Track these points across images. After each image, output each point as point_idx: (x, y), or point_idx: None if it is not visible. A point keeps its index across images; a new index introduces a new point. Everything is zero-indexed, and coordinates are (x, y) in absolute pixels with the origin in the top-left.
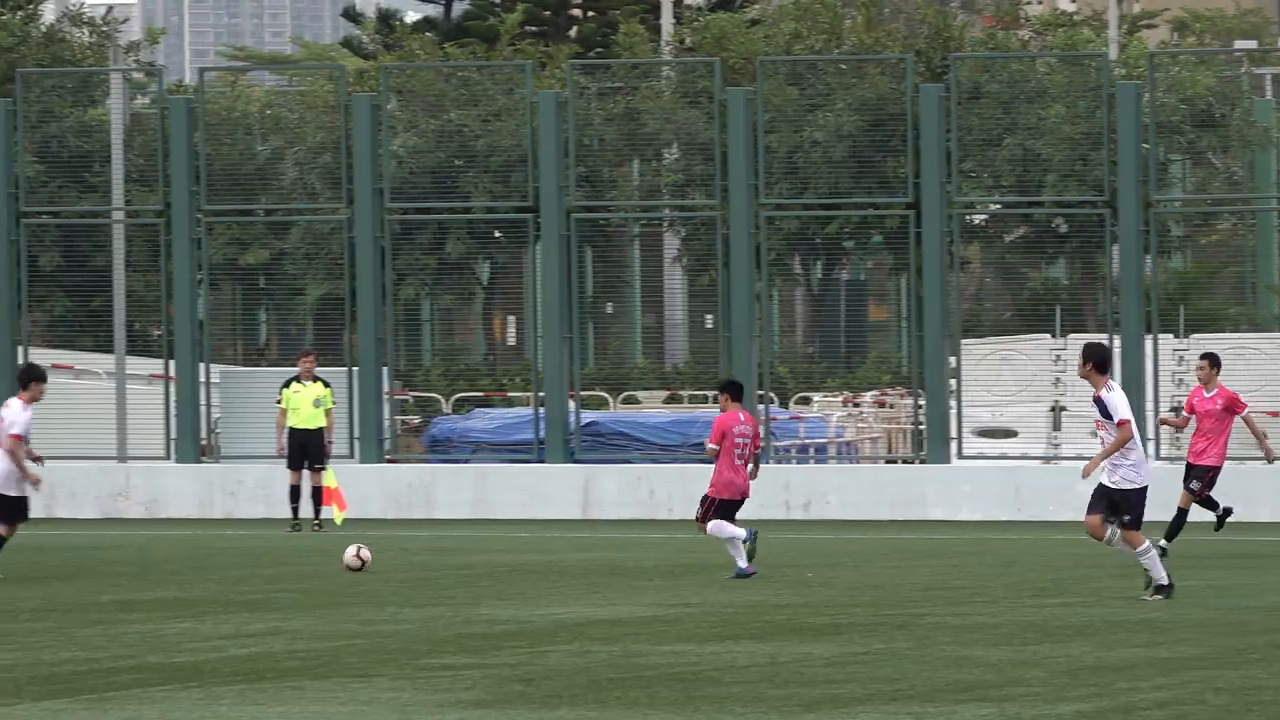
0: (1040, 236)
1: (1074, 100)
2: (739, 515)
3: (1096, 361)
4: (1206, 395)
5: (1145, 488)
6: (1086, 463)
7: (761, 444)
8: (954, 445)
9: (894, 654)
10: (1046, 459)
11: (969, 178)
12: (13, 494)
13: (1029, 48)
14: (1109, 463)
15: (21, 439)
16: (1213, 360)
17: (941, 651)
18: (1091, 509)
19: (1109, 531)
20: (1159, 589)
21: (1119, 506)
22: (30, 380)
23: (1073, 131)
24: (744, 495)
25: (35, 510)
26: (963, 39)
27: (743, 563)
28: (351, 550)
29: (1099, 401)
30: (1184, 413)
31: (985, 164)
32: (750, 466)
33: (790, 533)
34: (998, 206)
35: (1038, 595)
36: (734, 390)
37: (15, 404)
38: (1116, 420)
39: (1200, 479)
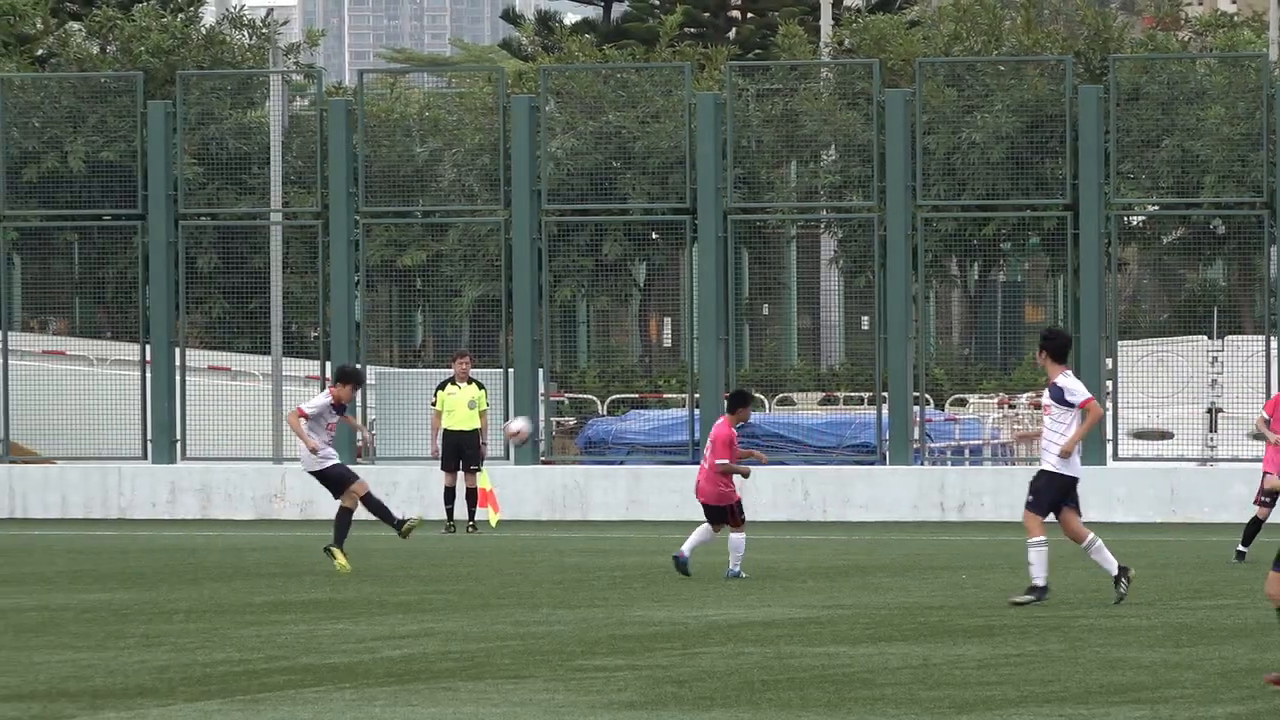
0: (1198, 238)
1: (1233, 101)
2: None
3: (1052, 350)
4: None
5: (1068, 478)
6: (1065, 444)
7: (728, 458)
8: (1110, 447)
9: (1047, 656)
10: (1202, 461)
11: (1127, 179)
12: (321, 469)
13: (1189, 49)
14: (1046, 445)
15: (304, 415)
16: None
17: (1095, 653)
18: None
19: (1088, 538)
20: (1033, 589)
21: (1032, 485)
22: (337, 379)
23: (1232, 133)
24: (697, 496)
25: (191, 511)
26: (1122, 40)
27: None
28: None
29: (1055, 388)
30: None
31: (1143, 165)
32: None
33: (944, 534)
34: (1155, 208)
35: (1192, 597)
36: (729, 399)
37: (323, 393)
38: (1079, 402)
39: None
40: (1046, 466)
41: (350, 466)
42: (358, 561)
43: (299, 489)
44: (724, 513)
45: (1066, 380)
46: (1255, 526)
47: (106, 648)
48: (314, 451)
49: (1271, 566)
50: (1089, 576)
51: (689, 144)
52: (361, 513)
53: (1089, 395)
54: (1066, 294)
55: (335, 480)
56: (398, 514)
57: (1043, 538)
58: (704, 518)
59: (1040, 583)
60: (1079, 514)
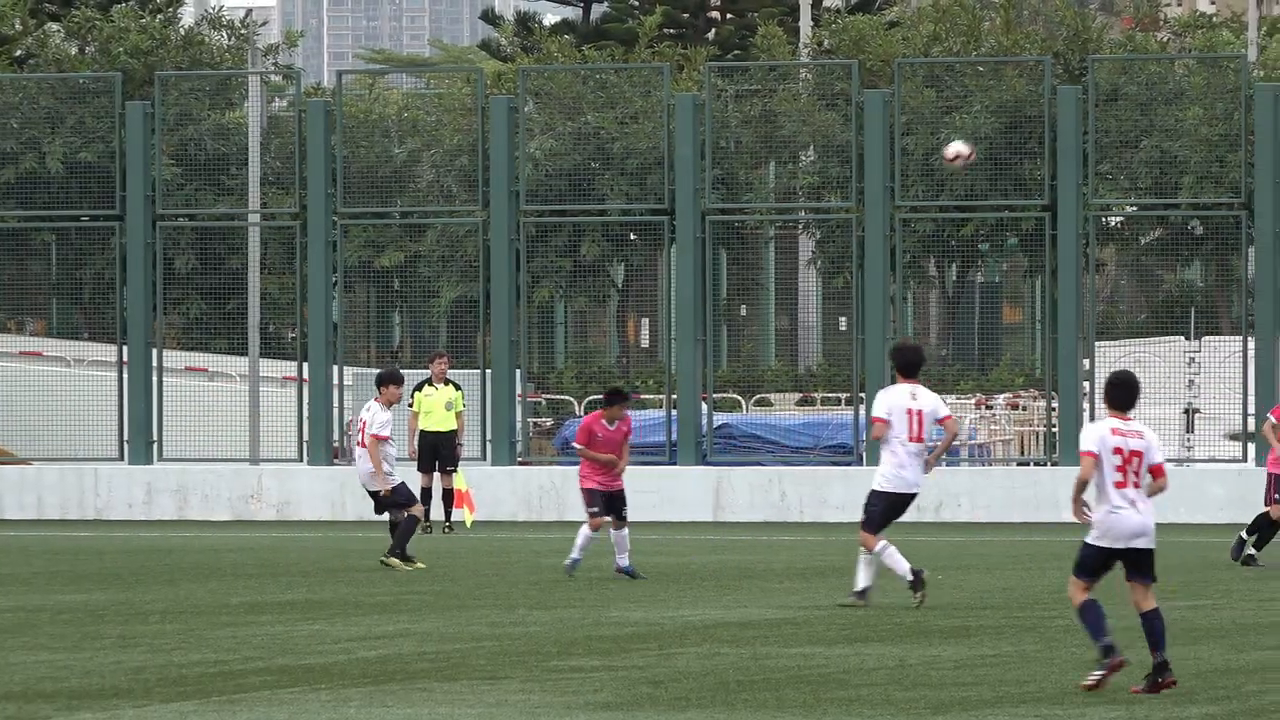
0: (1176, 239)
1: (1212, 102)
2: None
3: (897, 365)
4: None
5: (891, 494)
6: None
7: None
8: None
9: (1023, 656)
10: (1179, 462)
11: (1105, 180)
12: (374, 488)
13: (1168, 50)
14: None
15: (383, 439)
16: None
17: (1070, 654)
18: None
19: (879, 544)
20: (857, 593)
21: (865, 504)
22: (380, 383)
23: (1210, 133)
24: None
25: (167, 512)
26: (1101, 41)
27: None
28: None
29: None
30: None
31: (1122, 166)
32: None
33: (921, 535)
34: (1134, 208)
35: (1167, 597)
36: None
37: (375, 406)
38: (872, 417)
39: None
40: (874, 485)
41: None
42: (335, 560)
43: (276, 490)
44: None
45: (879, 393)
46: (1269, 525)
47: (82, 649)
48: (386, 489)
49: (1072, 572)
50: (1063, 578)
51: (667, 145)
52: (351, 511)
53: (879, 415)
54: (1044, 295)
55: (398, 500)
56: (409, 552)
57: (875, 551)
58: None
59: (859, 587)
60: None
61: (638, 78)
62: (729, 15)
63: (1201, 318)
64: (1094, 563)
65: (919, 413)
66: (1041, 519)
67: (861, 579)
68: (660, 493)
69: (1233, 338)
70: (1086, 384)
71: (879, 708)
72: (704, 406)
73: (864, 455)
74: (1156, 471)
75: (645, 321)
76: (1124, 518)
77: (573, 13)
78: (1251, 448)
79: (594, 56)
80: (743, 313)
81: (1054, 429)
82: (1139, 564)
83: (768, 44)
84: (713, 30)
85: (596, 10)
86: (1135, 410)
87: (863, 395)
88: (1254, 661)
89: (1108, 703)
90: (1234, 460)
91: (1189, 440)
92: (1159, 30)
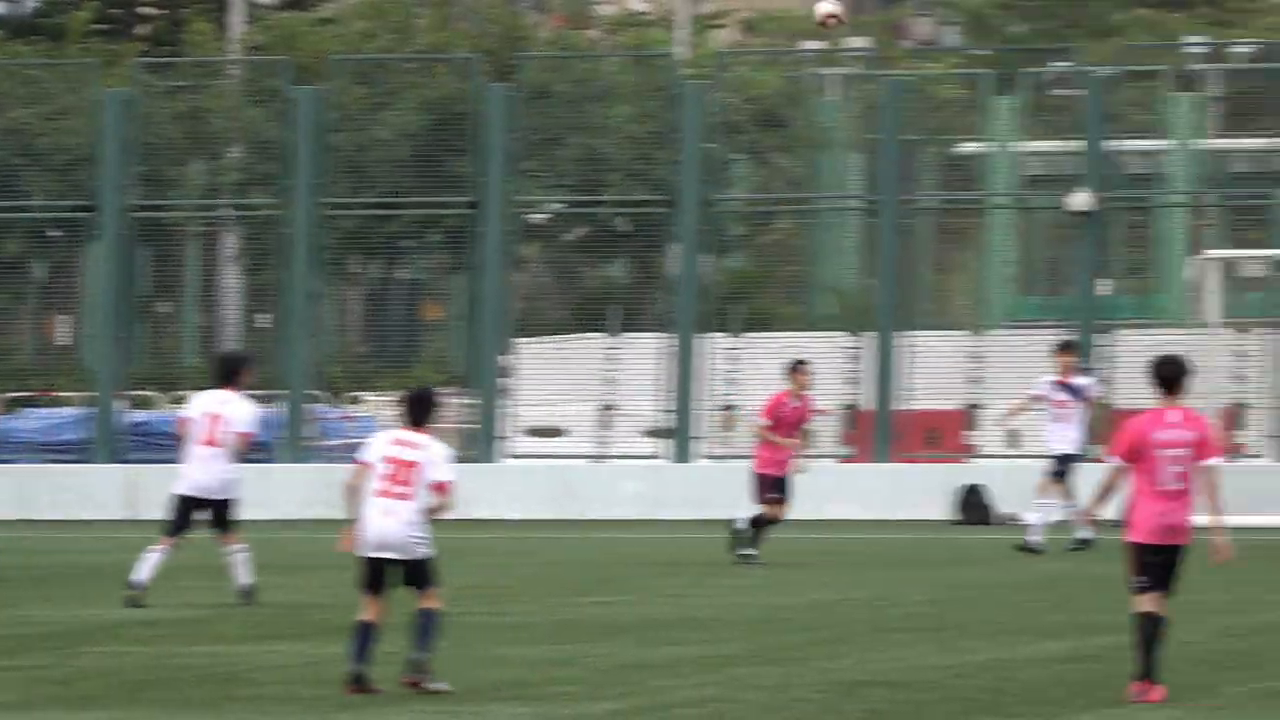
0: (601, 236)
1: (642, 100)
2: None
3: (214, 373)
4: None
5: (173, 495)
6: None
7: None
8: (503, 444)
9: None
10: (596, 458)
11: (533, 177)
12: None
13: (598, 48)
14: None
15: None
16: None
17: (480, 651)
18: None
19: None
20: (133, 586)
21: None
22: None
23: (638, 131)
24: None
25: None
26: (533, 39)
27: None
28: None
29: None
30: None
31: (550, 164)
32: None
33: (332, 532)
34: (561, 206)
35: (581, 593)
36: None
37: None
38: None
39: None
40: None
41: None
42: None
43: None
44: None
45: None
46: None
47: None
48: None
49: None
50: (476, 575)
51: (96, 141)
52: None
53: (185, 415)
54: (467, 292)
55: None
56: None
57: (158, 549)
58: None
59: (135, 579)
60: (227, 531)
61: (68, 73)
62: (161, 10)
63: (626, 315)
64: (362, 573)
65: (219, 419)
66: (456, 515)
67: (142, 571)
68: (75, 490)
69: (653, 334)
70: (506, 380)
71: (285, 704)
72: (119, 404)
73: (277, 452)
74: (438, 489)
75: (67, 319)
76: (372, 525)
77: (3, 7)
78: (671, 444)
79: (23, 52)
80: (164, 309)
81: (475, 426)
82: (407, 575)
83: (198, 40)
84: (143, 26)
85: (28, 5)
86: (556, 407)
87: (288, 392)
88: (664, 657)
89: (516, 699)
90: (652, 457)
91: (606, 437)
92: (590, 28)
